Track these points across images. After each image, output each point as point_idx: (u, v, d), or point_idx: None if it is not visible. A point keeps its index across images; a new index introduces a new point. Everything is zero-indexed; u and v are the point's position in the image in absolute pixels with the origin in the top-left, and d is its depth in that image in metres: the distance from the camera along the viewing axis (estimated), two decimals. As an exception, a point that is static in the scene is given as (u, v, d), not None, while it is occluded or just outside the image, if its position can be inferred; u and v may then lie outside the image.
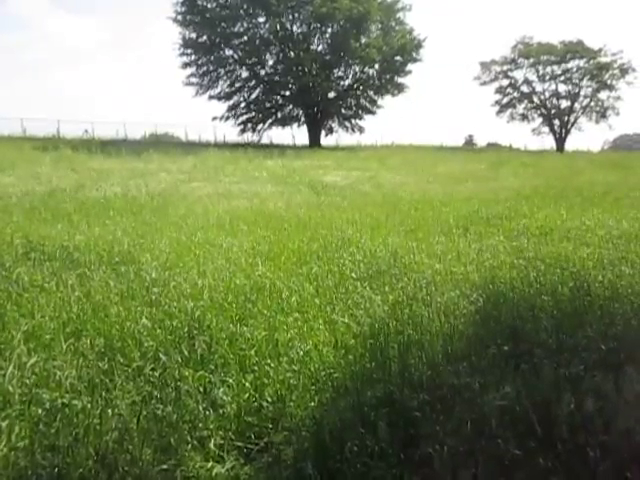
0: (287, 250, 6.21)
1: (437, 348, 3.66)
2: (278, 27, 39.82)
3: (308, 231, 7.54)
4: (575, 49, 59.62)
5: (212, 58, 40.07)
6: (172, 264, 5.45)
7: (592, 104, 62.46)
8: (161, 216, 8.90)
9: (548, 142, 64.36)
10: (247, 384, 3.11)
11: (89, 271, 5.23)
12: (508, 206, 10.62)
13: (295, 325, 3.88)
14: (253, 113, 42.84)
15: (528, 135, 66.93)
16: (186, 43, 39.63)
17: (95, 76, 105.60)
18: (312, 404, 3.01)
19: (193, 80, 41.00)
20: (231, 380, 3.13)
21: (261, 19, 40.10)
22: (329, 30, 40.61)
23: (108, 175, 16.04)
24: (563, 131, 62.78)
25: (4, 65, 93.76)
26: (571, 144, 62.44)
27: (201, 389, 3.05)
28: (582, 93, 62.01)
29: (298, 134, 45.14)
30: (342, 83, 43.08)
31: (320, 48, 41.04)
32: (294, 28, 40.76)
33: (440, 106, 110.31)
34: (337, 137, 46.61)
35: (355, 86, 43.54)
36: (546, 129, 64.79)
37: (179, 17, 39.22)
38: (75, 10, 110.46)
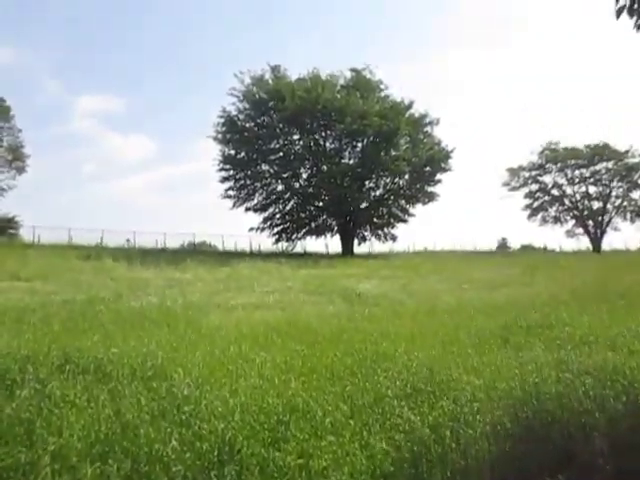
0: (320, 365, 6.05)
1: (485, 475, 3.39)
2: (311, 143, 42.35)
3: (342, 344, 7.39)
4: (602, 152, 60.72)
5: (249, 173, 42.42)
6: (204, 380, 5.35)
7: (625, 204, 62.36)
8: (195, 328, 8.92)
9: (584, 242, 63.80)
10: (278, 517, 2.90)
11: (121, 386, 5.18)
12: (547, 313, 10.26)
13: (329, 450, 3.68)
14: (288, 224, 44.31)
15: (562, 235, 66.59)
16: (225, 159, 42.25)
17: (141, 189, 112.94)
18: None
19: (231, 193, 43.22)
20: (261, 513, 2.94)
21: (296, 136, 42.86)
22: (360, 145, 42.81)
23: (146, 285, 16.44)
24: (598, 231, 62.23)
25: (59, 178, 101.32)
26: (608, 243, 61.67)
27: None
28: (613, 194, 62.32)
29: (331, 242, 46.07)
30: (373, 194, 44.56)
31: (352, 162, 42.96)
32: (327, 144, 43.23)
33: (471, 209, 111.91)
34: (370, 245, 47.39)
35: (386, 196, 44.92)
36: (580, 230, 64.47)
37: (219, 136, 42.29)
38: (125, 130, 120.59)
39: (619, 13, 4.40)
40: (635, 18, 4.38)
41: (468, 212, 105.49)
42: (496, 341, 7.78)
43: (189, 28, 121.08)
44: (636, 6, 4.32)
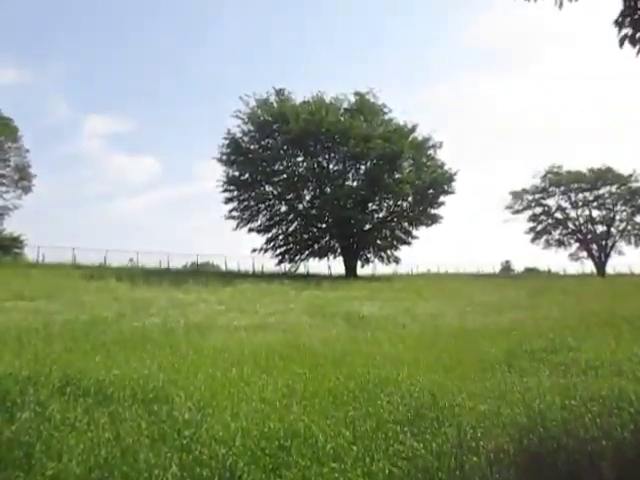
0: (322, 389, 5.99)
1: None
2: (315, 165, 42.65)
3: (344, 367, 7.32)
4: (605, 176, 60.86)
5: (253, 194, 42.62)
6: (206, 403, 5.30)
7: (629, 228, 62.30)
8: (197, 349, 8.87)
9: (588, 265, 63.59)
10: None
11: (121, 409, 5.14)
12: (552, 337, 10.17)
13: (331, 477, 3.63)
14: (291, 245, 44.34)
15: (566, 258, 66.32)
16: (230, 180, 42.48)
17: (145, 209, 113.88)
18: None
19: (235, 214, 43.37)
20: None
21: (299, 158, 43.15)
22: (363, 167, 43.04)
23: (149, 305, 16.37)
24: (602, 255, 62.05)
25: (64, 197, 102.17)
26: (612, 266, 61.46)
27: None
28: (617, 217, 62.28)
29: (334, 263, 46.03)
30: (377, 216, 44.67)
31: (355, 184, 43.14)
32: (330, 166, 43.43)
33: (475, 231, 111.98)
34: (373, 266, 47.28)
35: (389, 218, 45.04)
36: (584, 253, 64.32)
37: (224, 157, 42.62)
38: (131, 150, 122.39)
39: (622, 42, 4.46)
40: (638, 46, 4.44)
41: (471, 234, 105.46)
42: (500, 366, 7.70)
43: (196, 51, 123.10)
44: (638, 35, 4.38)
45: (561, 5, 4.79)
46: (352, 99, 44.21)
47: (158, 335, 10.45)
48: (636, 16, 4.45)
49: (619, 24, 4.51)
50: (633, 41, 4.46)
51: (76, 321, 11.98)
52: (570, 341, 9.71)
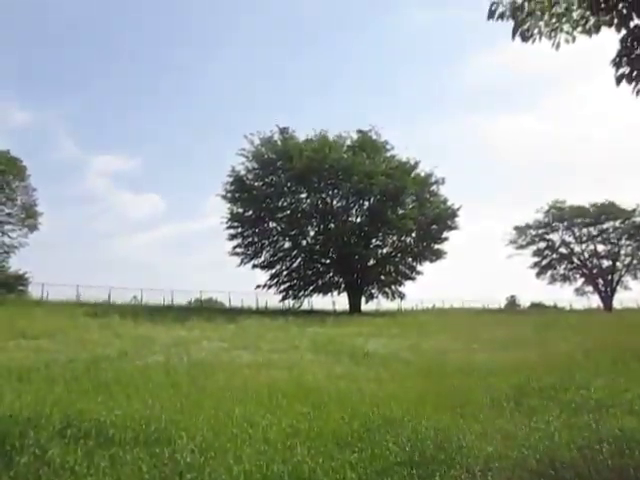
0: (327, 429, 5.87)
1: None
2: (319, 202, 42.97)
3: (348, 406, 7.19)
4: (609, 210, 60.81)
5: (257, 230, 42.84)
6: (208, 445, 5.19)
7: (635, 262, 61.96)
8: (200, 388, 8.76)
9: (594, 300, 62.98)
10: None
11: (122, 452, 5.04)
12: (561, 375, 10.03)
13: (337, 523, 3.52)
14: (294, 281, 44.26)
15: (572, 292, 65.67)
16: (234, 217, 42.80)
17: (149, 246, 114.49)
18: None
19: (239, 250, 43.49)
20: None
21: (303, 195, 43.50)
22: (367, 203, 43.31)
23: (152, 342, 16.25)
24: (608, 289, 61.56)
25: (70, 236, 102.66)
26: (619, 301, 60.85)
27: None
28: (622, 252, 61.98)
29: (338, 299, 45.85)
30: (380, 251, 44.73)
31: (358, 220, 43.42)
32: (334, 202, 43.72)
33: (479, 266, 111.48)
34: (377, 302, 47.05)
35: (393, 254, 45.08)
36: (590, 288, 63.85)
37: (228, 194, 43.02)
38: (136, 189, 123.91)
39: (619, 80, 4.57)
40: (634, 84, 4.55)
41: (476, 269, 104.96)
42: (508, 404, 7.56)
43: (199, 89, 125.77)
44: (635, 74, 4.49)
45: (558, 46, 4.94)
46: (355, 137, 44.91)
47: (160, 374, 10.33)
48: (633, 56, 4.57)
49: (616, 64, 4.64)
50: (630, 79, 4.57)
51: (78, 360, 11.86)
52: (579, 378, 9.56)
